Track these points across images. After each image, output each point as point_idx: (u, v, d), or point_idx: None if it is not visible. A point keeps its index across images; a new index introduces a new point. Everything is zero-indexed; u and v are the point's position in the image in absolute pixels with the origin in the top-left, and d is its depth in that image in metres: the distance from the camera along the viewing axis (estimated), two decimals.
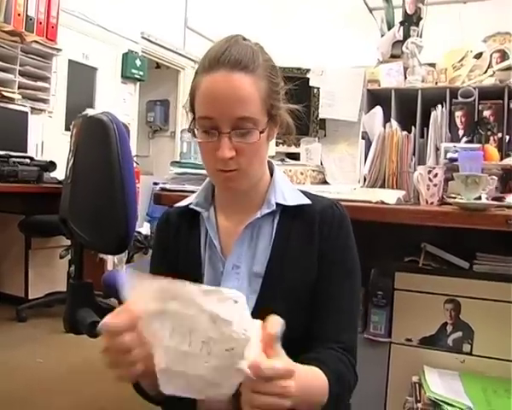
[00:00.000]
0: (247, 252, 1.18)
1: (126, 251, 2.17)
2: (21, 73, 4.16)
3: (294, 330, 1.07)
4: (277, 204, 1.18)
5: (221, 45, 1.09)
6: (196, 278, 1.17)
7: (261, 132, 1.09)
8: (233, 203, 1.22)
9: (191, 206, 1.23)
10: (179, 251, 1.24)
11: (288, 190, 1.22)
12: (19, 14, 4.04)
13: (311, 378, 1.00)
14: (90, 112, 1.93)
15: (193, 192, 1.32)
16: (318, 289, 1.16)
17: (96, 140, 1.82)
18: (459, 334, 1.66)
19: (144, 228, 4.51)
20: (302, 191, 1.25)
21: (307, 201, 1.21)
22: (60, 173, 3.37)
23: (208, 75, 1.07)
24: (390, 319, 1.74)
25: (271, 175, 1.23)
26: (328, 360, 1.06)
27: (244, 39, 1.13)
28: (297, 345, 1.02)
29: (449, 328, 1.67)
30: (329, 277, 1.16)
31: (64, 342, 3.34)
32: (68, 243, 3.39)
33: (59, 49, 4.43)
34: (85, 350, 3.16)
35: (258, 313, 1.08)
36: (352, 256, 1.20)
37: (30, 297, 3.95)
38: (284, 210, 1.19)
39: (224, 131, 1.07)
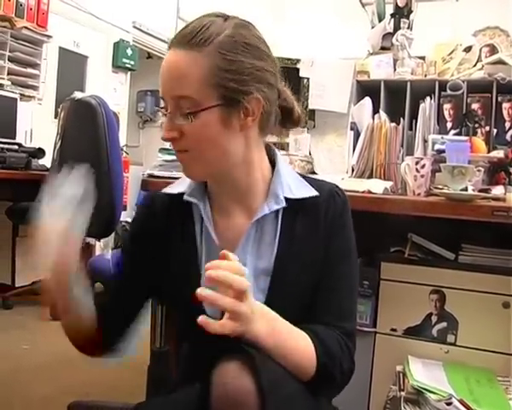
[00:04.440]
0: (251, 249, 1.13)
1: (113, 239, 2.17)
2: (11, 59, 4.12)
3: (299, 325, 1.07)
4: (285, 198, 1.12)
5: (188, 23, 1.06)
6: (195, 275, 1.13)
7: (203, 110, 1.01)
8: (232, 198, 1.15)
9: (185, 197, 1.15)
10: (171, 244, 1.18)
11: (293, 181, 1.16)
12: (9, 0, 4.00)
13: (292, 333, 1.03)
14: (78, 95, 1.92)
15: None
16: (320, 275, 1.14)
17: (84, 123, 1.82)
18: (444, 324, 1.67)
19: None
20: (302, 176, 1.21)
21: (314, 192, 1.15)
22: (48, 161, 3.35)
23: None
24: (375, 309, 1.75)
25: (272, 164, 1.17)
26: (321, 333, 1.06)
27: (220, 16, 1.07)
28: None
29: (433, 318, 1.68)
30: (331, 262, 1.14)
31: (50, 329, 3.33)
32: None
33: (49, 36, 4.39)
34: None
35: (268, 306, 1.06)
36: (353, 243, 1.19)
37: (16, 285, 3.93)
38: (288, 202, 1.13)
39: (167, 111, 1.05)
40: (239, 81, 1.03)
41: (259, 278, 1.12)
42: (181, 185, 1.18)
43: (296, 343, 1.03)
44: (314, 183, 1.18)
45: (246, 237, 1.12)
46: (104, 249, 2.07)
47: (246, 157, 1.10)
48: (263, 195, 1.14)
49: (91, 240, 3.59)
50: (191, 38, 1.02)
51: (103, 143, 1.70)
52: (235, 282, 0.89)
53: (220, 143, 1.05)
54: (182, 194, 1.16)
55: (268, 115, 1.10)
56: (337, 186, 1.20)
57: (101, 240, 2.08)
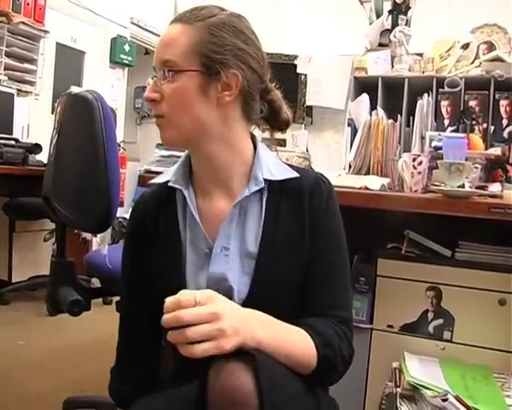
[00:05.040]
0: (235, 232, 1.15)
1: (110, 234, 2.16)
2: (8, 54, 4.11)
3: (286, 307, 1.10)
4: (265, 180, 1.15)
5: None
6: (179, 262, 1.16)
7: (182, 71, 1.08)
8: (213, 180, 1.17)
9: (170, 183, 1.18)
10: (159, 233, 1.20)
11: (274, 164, 1.19)
12: None
13: (289, 331, 1.05)
14: (74, 89, 1.91)
15: None
16: (310, 263, 1.15)
17: (81, 117, 1.80)
18: (440, 321, 1.67)
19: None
20: (285, 163, 1.23)
21: (295, 174, 1.18)
22: (45, 156, 3.34)
23: None
24: (372, 306, 1.75)
25: (255, 150, 1.20)
26: (317, 325, 1.08)
27: (218, 8, 1.16)
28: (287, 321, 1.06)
29: (430, 315, 1.68)
30: (321, 251, 1.15)
31: (46, 325, 3.34)
32: (53, 226, 3.37)
33: (46, 32, 4.37)
34: (67, 334, 3.16)
35: (253, 294, 1.10)
36: (341, 230, 1.20)
37: (13, 280, 3.92)
38: (271, 186, 1.16)
39: (156, 73, 1.12)
40: (220, 53, 1.10)
41: (244, 261, 1.14)
42: (166, 174, 1.22)
43: (295, 341, 1.05)
44: (298, 169, 1.21)
45: (228, 220, 1.14)
46: (101, 245, 2.06)
47: (224, 135, 1.14)
48: (244, 178, 1.16)
49: (88, 235, 3.60)
50: (186, 15, 1.13)
51: (100, 139, 1.69)
52: (184, 316, 0.90)
53: (195, 110, 1.10)
54: (167, 184, 1.19)
55: (249, 98, 1.15)
56: (322, 175, 1.23)
57: (98, 235, 2.07)
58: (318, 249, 1.15)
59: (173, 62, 1.09)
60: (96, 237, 2.40)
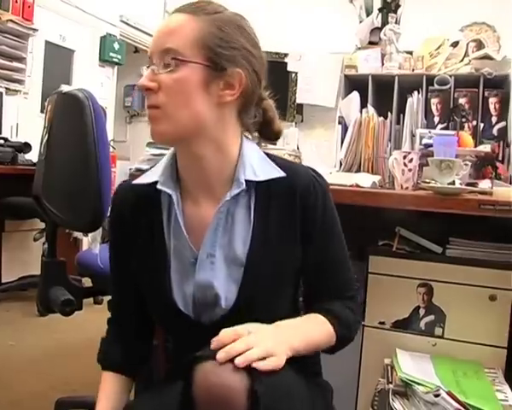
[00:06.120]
0: (222, 238, 1.11)
1: (101, 234, 2.15)
2: None
3: (274, 312, 1.11)
4: (248, 181, 1.10)
5: None
6: (163, 268, 1.14)
7: (186, 61, 1.03)
8: (200, 183, 1.13)
9: (159, 186, 1.12)
10: (139, 235, 1.18)
11: (258, 162, 1.13)
12: None
13: (311, 327, 1.11)
14: (65, 88, 1.90)
15: None
16: (312, 258, 1.16)
17: (71, 116, 1.79)
18: (431, 317, 1.68)
19: None
20: (272, 157, 1.17)
21: (281, 173, 1.12)
22: (35, 155, 3.32)
23: None
24: (363, 303, 1.75)
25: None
26: (333, 309, 1.15)
27: (223, 6, 1.12)
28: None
29: (421, 312, 1.69)
30: (321, 248, 1.16)
31: (37, 325, 3.32)
32: (42, 225, 3.36)
33: (35, 30, 4.35)
34: (58, 334, 3.15)
35: (241, 301, 1.10)
36: (337, 220, 1.21)
37: (3, 281, 3.90)
38: (259, 186, 1.12)
39: (153, 61, 1.06)
40: (227, 49, 1.06)
41: (232, 269, 1.12)
42: (154, 174, 1.16)
43: (318, 333, 1.12)
44: (287, 165, 1.15)
45: (214, 226, 1.11)
46: (92, 244, 2.06)
47: (217, 136, 1.10)
48: (229, 181, 1.12)
49: (79, 234, 3.58)
50: (191, 7, 1.08)
51: (91, 138, 1.68)
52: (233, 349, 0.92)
53: (194, 104, 1.05)
54: (153, 184, 1.14)
55: (247, 102, 1.12)
56: (314, 171, 1.19)
57: (89, 235, 2.06)
58: (318, 245, 1.16)
59: (177, 51, 1.03)
60: (87, 236, 2.39)
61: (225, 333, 0.94)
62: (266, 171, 1.13)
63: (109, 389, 1.23)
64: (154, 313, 1.23)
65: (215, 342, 0.93)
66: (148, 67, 1.07)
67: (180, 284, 1.14)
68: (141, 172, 1.78)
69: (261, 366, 0.90)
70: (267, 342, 0.94)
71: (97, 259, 1.87)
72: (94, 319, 2.93)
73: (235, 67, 1.06)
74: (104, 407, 1.21)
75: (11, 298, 3.79)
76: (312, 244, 1.15)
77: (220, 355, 0.90)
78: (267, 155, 1.18)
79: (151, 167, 1.22)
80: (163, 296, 1.14)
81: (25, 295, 3.83)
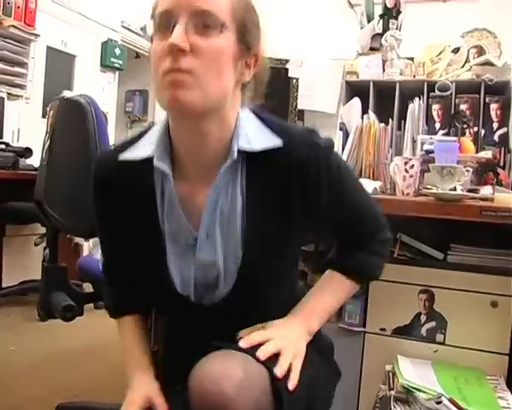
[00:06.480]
0: (220, 216, 1.06)
1: None
2: None
3: (275, 287, 1.13)
4: (242, 152, 1.03)
5: None
6: (158, 251, 1.09)
7: (225, 31, 0.96)
8: (195, 162, 1.06)
9: (156, 163, 1.04)
10: (129, 216, 1.11)
11: (254, 131, 1.06)
12: None
13: (327, 296, 1.18)
14: (67, 94, 1.90)
15: None
16: (332, 220, 1.15)
17: (73, 122, 1.80)
18: (432, 324, 1.68)
19: None
20: (269, 123, 1.08)
21: (276, 142, 1.04)
22: (36, 160, 3.32)
23: None
24: (365, 309, 1.75)
25: None
26: (354, 259, 1.20)
27: None
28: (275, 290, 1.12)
29: (423, 318, 1.69)
30: (337, 206, 1.12)
31: (38, 330, 3.31)
32: (43, 230, 3.35)
33: (37, 35, 4.36)
34: (59, 339, 3.14)
35: (242, 279, 1.07)
36: (347, 170, 1.17)
37: (4, 285, 3.90)
38: (254, 158, 1.04)
39: (179, 21, 0.94)
40: (255, 28, 1.03)
41: (231, 246, 1.07)
42: (145, 147, 1.08)
43: (333, 299, 1.19)
44: (284, 131, 1.07)
45: (211, 204, 1.05)
46: (93, 249, 2.06)
47: (228, 116, 1.04)
48: (225, 156, 1.04)
49: (80, 240, 3.58)
50: None
51: (93, 143, 1.68)
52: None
53: (224, 77, 0.98)
54: (143, 159, 1.07)
55: (254, 87, 1.08)
56: (313, 132, 1.09)
57: (90, 240, 2.06)
58: (337, 206, 1.12)
59: (216, 17, 0.95)
60: (88, 241, 2.39)
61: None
62: (262, 140, 1.05)
63: (134, 335, 1.23)
64: (152, 297, 1.20)
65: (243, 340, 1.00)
66: (172, 27, 0.94)
67: (178, 266, 1.09)
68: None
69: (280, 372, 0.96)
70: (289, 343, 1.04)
71: (98, 264, 1.86)
72: (95, 324, 2.93)
73: (257, 50, 1.03)
74: (138, 356, 1.20)
75: (12, 303, 3.79)
76: (327, 210, 1.11)
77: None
78: (264, 120, 1.09)
79: (132, 140, 1.14)
80: (161, 280, 1.10)
81: (25, 299, 3.82)
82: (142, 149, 1.08)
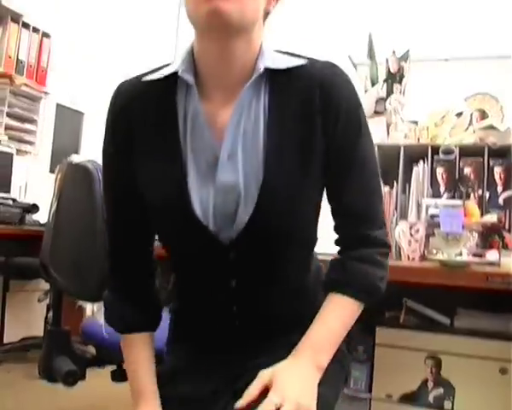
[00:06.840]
0: (243, 137, 1.04)
1: None
2: (9, 115, 4.16)
3: (296, 220, 1.07)
4: (265, 71, 1.03)
5: None
6: (179, 174, 1.05)
7: None
8: (219, 81, 1.06)
9: (181, 74, 1.04)
10: (148, 137, 1.09)
11: (277, 54, 1.08)
12: (10, 57, 4.07)
13: (332, 328, 1.11)
14: (75, 158, 1.93)
15: None
16: (338, 172, 1.09)
17: (80, 188, 1.82)
18: (440, 391, 1.66)
19: None
20: (293, 54, 1.10)
21: (301, 61, 1.06)
22: (42, 216, 3.34)
23: None
24: (370, 375, 1.74)
25: None
26: (353, 276, 1.13)
27: None
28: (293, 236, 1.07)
29: (430, 384, 1.67)
30: (347, 143, 1.08)
31: (38, 389, 3.25)
32: (47, 286, 3.34)
33: (47, 93, 4.45)
34: (59, 399, 3.09)
35: (262, 205, 1.02)
36: (366, 125, 1.12)
37: (5, 341, 3.86)
38: (276, 77, 1.05)
39: None
40: None
41: (252, 168, 1.04)
42: (170, 68, 1.08)
43: (339, 328, 1.12)
44: (308, 57, 1.09)
45: (234, 123, 1.04)
46: (97, 313, 2.05)
47: (255, 38, 1.05)
48: (249, 75, 1.05)
49: (84, 303, 3.56)
50: None
51: (100, 210, 1.68)
52: None
53: (259, 7, 1.01)
54: (165, 79, 1.07)
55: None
56: (334, 66, 1.09)
57: (95, 304, 2.06)
58: (350, 162, 1.09)
59: None
60: (92, 305, 2.38)
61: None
62: (286, 60, 1.07)
63: (141, 354, 1.17)
64: (167, 230, 1.12)
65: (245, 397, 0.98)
66: None
67: (198, 190, 1.05)
68: None
69: None
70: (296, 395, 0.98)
71: (102, 329, 1.85)
72: (97, 385, 2.89)
73: None
74: (148, 379, 1.14)
75: (13, 359, 3.75)
76: (337, 154, 1.07)
77: None
78: (283, 52, 1.11)
79: (154, 69, 1.14)
80: (181, 211, 1.05)
81: (27, 356, 3.78)
82: (166, 70, 1.08)
